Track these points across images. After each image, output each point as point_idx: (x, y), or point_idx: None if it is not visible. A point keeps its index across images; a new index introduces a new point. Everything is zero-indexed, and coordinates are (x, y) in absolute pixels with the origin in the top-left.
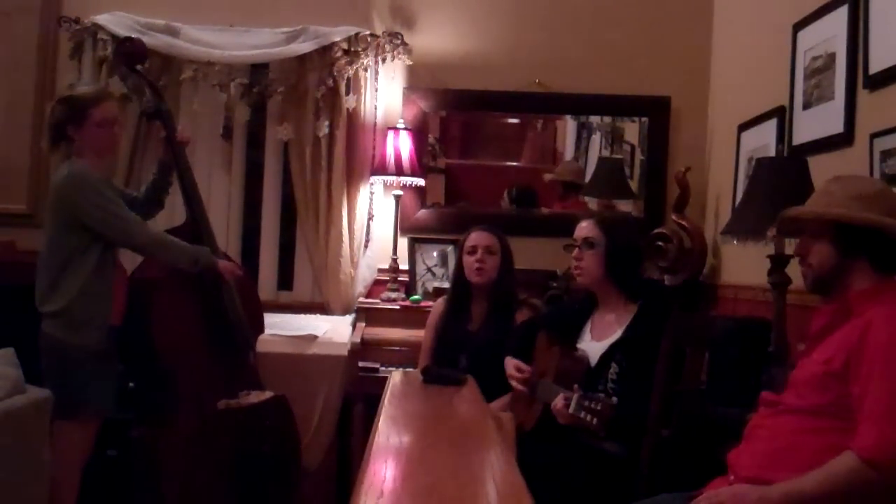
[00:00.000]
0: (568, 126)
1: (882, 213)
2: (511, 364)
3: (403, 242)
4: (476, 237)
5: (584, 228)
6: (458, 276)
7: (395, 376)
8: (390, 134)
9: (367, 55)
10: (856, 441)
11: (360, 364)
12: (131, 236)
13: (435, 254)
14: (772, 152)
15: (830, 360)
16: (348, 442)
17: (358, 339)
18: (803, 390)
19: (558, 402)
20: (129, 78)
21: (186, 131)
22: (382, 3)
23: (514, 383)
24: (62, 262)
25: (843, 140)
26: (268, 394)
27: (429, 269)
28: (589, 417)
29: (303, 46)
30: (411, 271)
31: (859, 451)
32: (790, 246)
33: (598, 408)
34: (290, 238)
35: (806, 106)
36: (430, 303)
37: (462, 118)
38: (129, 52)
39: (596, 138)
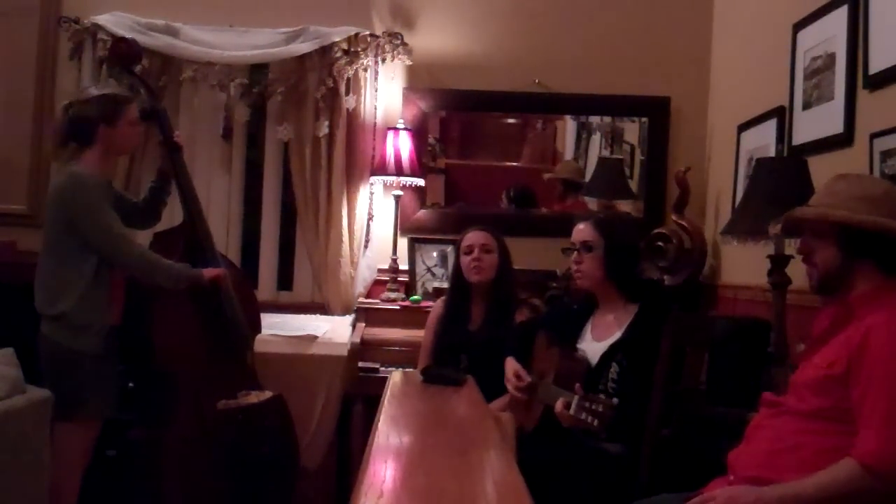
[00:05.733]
0: (568, 126)
1: (889, 215)
2: (511, 368)
3: (403, 242)
4: (472, 237)
5: (582, 231)
6: (457, 278)
7: (395, 376)
8: (390, 134)
9: (366, 55)
10: (856, 447)
11: (360, 364)
12: (116, 251)
13: (435, 254)
14: (772, 152)
15: (832, 363)
16: (348, 442)
17: (358, 340)
18: (804, 393)
19: (559, 405)
20: (125, 79)
21: (179, 136)
22: (382, 3)
23: (510, 388)
24: (61, 265)
25: (842, 140)
26: (267, 394)
27: (429, 270)
28: (590, 419)
29: (302, 46)
30: (411, 271)
31: (860, 457)
32: (790, 246)
33: (599, 409)
34: (290, 238)
35: (806, 106)
36: (430, 303)
37: (462, 118)
38: (123, 54)
39: (596, 138)
